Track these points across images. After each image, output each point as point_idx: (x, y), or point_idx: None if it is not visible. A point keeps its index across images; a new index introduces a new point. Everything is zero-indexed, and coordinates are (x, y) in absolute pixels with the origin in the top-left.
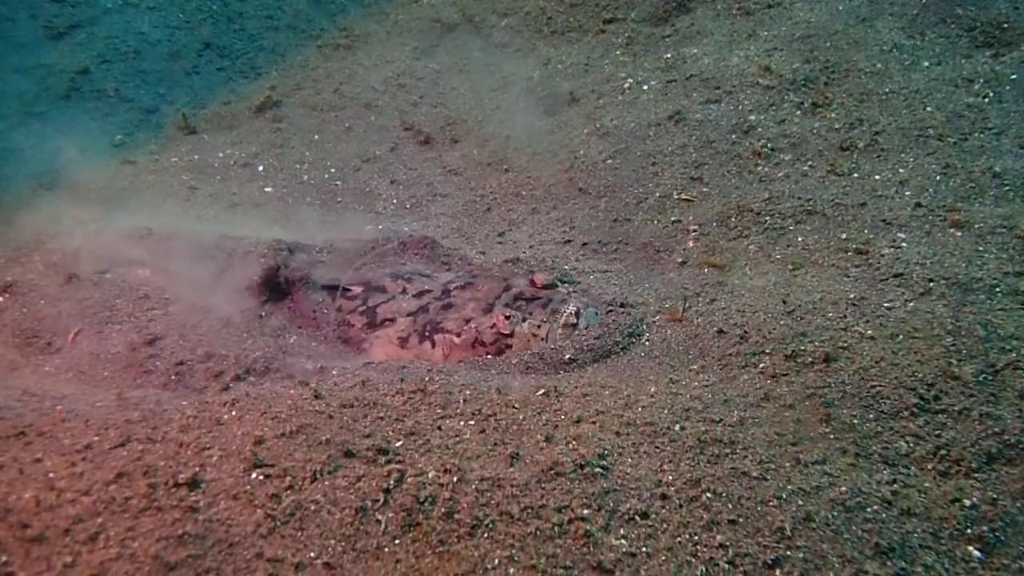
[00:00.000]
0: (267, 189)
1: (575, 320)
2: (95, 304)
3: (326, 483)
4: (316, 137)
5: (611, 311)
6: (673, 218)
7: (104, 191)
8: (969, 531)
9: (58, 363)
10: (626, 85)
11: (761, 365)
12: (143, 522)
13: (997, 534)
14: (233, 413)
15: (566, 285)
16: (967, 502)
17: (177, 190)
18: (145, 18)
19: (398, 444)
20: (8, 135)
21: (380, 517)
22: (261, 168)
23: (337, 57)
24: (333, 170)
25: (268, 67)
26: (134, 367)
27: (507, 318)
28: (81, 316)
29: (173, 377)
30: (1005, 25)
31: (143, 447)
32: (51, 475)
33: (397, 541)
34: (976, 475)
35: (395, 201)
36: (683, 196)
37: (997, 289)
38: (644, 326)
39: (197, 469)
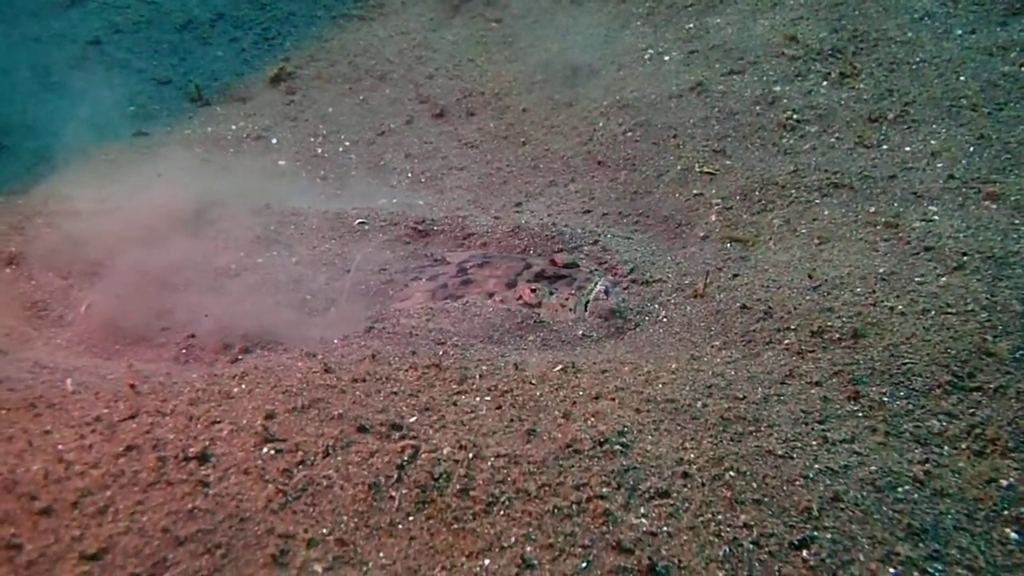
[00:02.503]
0: (280, 162)
1: (604, 297)
2: None
3: (339, 458)
4: (330, 110)
5: (630, 286)
6: (695, 191)
7: (116, 163)
8: (1006, 512)
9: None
10: (647, 56)
11: (786, 341)
12: (152, 496)
13: None
14: (243, 386)
15: (586, 253)
16: (1003, 482)
17: (190, 162)
18: None
19: (412, 420)
20: (21, 104)
21: (394, 493)
22: (275, 141)
23: (352, 28)
24: (347, 143)
25: (282, 38)
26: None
27: (533, 291)
28: None
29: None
30: None
31: (152, 420)
32: (60, 447)
33: (411, 518)
34: (1013, 455)
35: (410, 175)
36: (705, 169)
37: None
38: (663, 302)
39: (207, 443)
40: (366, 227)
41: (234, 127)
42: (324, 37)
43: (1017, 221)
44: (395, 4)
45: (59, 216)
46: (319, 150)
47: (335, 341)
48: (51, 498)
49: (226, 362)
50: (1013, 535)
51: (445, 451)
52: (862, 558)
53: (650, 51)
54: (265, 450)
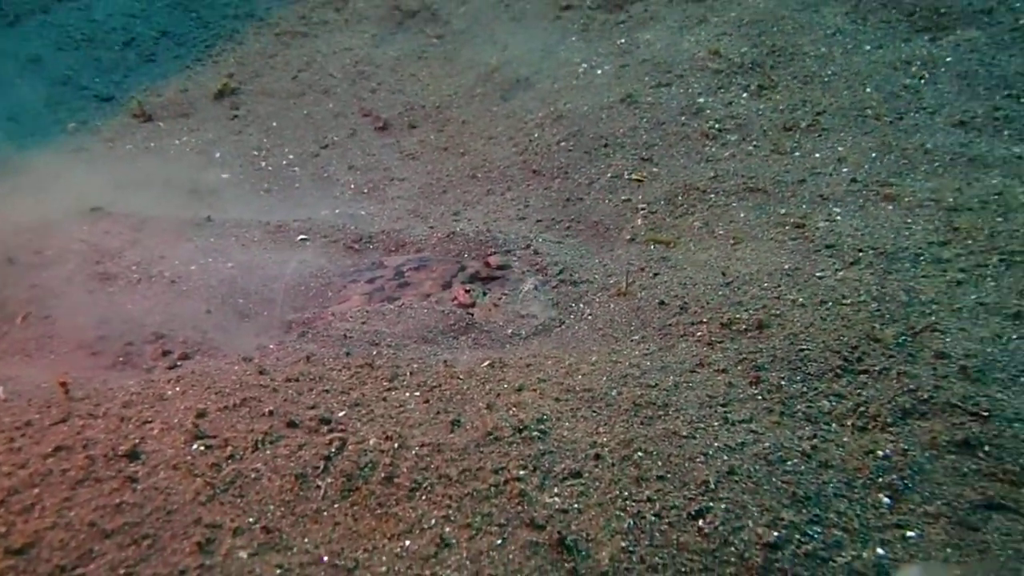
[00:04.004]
0: (224, 176)
1: (534, 295)
2: None
3: (267, 452)
4: (274, 124)
5: (559, 286)
6: (623, 197)
7: (55, 178)
8: (880, 480)
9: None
10: (580, 70)
11: (698, 333)
12: (80, 492)
13: (905, 482)
14: (177, 389)
15: (518, 256)
16: (880, 453)
17: (132, 177)
18: (100, 6)
19: (341, 414)
20: None
21: (320, 483)
22: (218, 155)
23: (296, 44)
24: (291, 156)
25: (226, 55)
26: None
27: (467, 291)
28: None
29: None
30: (943, 11)
31: (84, 422)
32: None
33: (336, 505)
34: (890, 429)
35: (353, 186)
36: (633, 176)
37: (921, 258)
38: (588, 301)
39: (137, 441)
40: (307, 241)
41: (177, 142)
42: (268, 53)
43: (909, 220)
44: (338, 21)
45: None
46: (263, 163)
47: (270, 346)
48: None
49: (164, 368)
50: (885, 499)
51: (372, 442)
52: (751, 524)
53: (584, 65)
54: (195, 446)
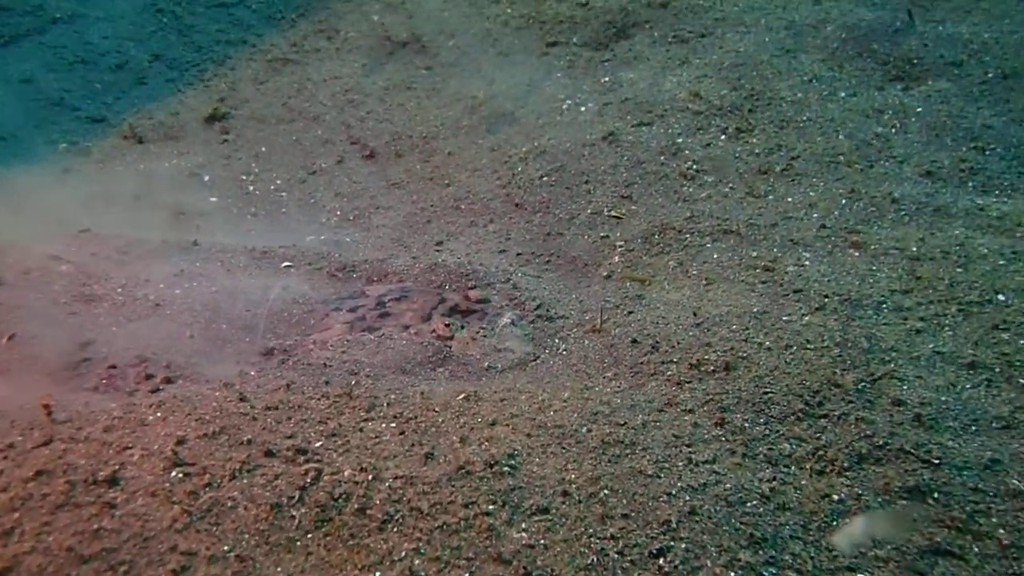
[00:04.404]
0: (212, 199)
1: (511, 330)
2: None
3: (244, 481)
4: (263, 149)
5: (536, 321)
6: (602, 234)
7: (45, 200)
8: (835, 523)
9: None
10: (564, 106)
11: (668, 373)
12: (60, 517)
13: None
14: (159, 414)
15: (498, 290)
16: (836, 497)
17: (121, 199)
18: (93, 29)
19: (318, 444)
20: None
21: (294, 513)
22: (207, 178)
23: (287, 72)
24: (279, 181)
25: (217, 80)
26: None
27: (447, 325)
28: None
29: None
30: (915, 61)
31: (65, 446)
32: None
33: (309, 535)
34: (847, 473)
35: (339, 213)
36: (613, 213)
37: (884, 305)
38: (564, 336)
39: (117, 467)
40: (291, 268)
41: (167, 164)
42: (259, 79)
43: (874, 267)
44: (329, 50)
45: None
46: (251, 188)
47: (251, 372)
48: None
49: (146, 391)
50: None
51: (346, 473)
52: (709, 564)
53: (568, 102)
54: (174, 473)
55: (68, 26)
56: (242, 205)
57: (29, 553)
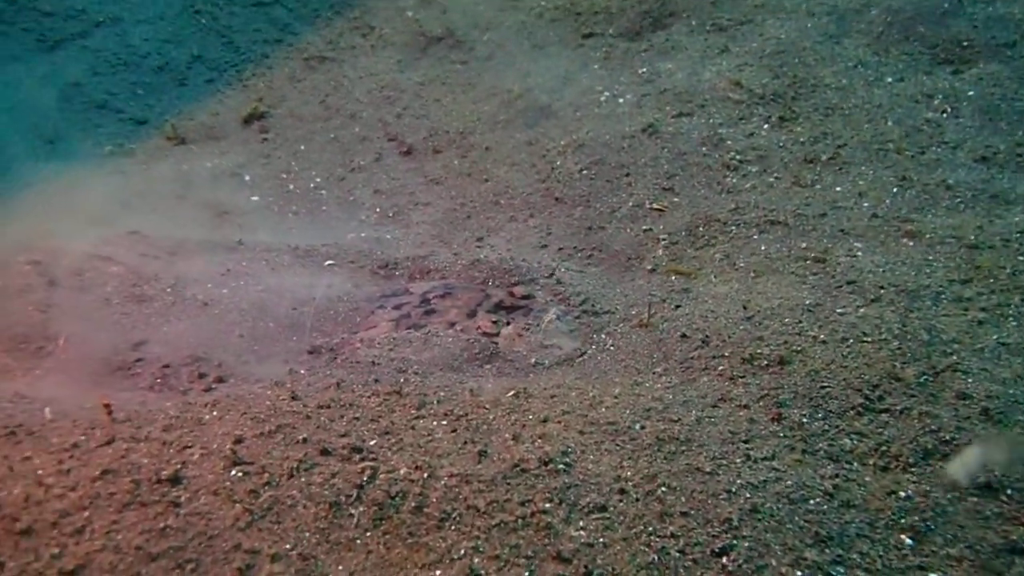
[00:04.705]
0: (253, 198)
1: (556, 325)
2: None
3: (302, 479)
4: (302, 147)
5: (581, 316)
6: (645, 227)
7: (93, 201)
8: (903, 521)
9: None
10: (602, 98)
11: (720, 368)
12: (127, 516)
13: (928, 523)
14: (214, 413)
15: (541, 285)
16: (902, 494)
17: (165, 199)
18: (135, 31)
19: (372, 443)
20: (1, 145)
21: (353, 511)
22: (248, 178)
23: (323, 69)
24: (318, 179)
25: (256, 79)
26: None
27: (493, 321)
28: None
29: None
30: (965, 43)
31: (127, 446)
32: (39, 472)
33: (369, 533)
34: (912, 469)
35: (378, 210)
36: (655, 206)
37: (942, 296)
38: (610, 332)
39: (179, 466)
40: (334, 266)
41: (208, 164)
42: (297, 77)
43: (930, 257)
44: (365, 47)
45: (38, 253)
46: (291, 186)
47: (301, 371)
48: (31, 519)
49: (199, 391)
50: (908, 541)
51: (402, 471)
52: (774, 563)
53: (606, 94)
54: (233, 472)
55: (110, 29)
56: (283, 203)
57: (100, 551)
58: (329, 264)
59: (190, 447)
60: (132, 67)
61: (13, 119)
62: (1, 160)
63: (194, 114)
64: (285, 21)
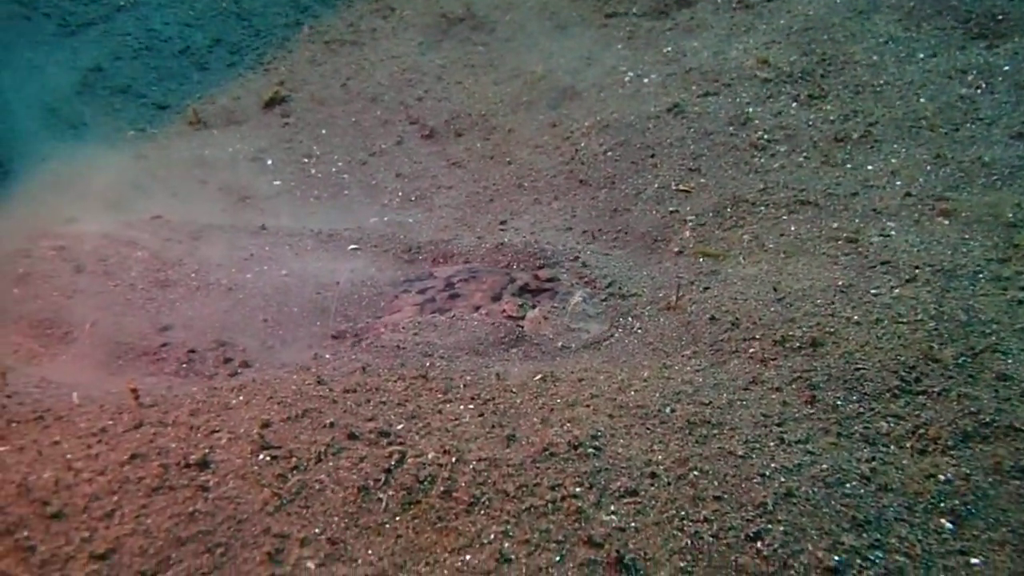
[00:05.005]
0: (276, 183)
1: (583, 308)
2: None
3: (330, 464)
4: (323, 131)
5: (608, 299)
6: (671, 208)
7: (116, 186)
8: (942, 504)
9: None
10: (626, 78)
11: (751, 350)
12: (156, 500)
13: (968, 507)
14: (241, 398)
15: (567, 268)
16: (941, 477)
17: (188, 184)
18: (156, 15)
19: (399, 427)
20: (25, 130)
21: (381, 495)
22: (270, 162)
23: (344, 53)
24: (340, 164)
25: (277, 63)
26: None
27: (519, 305)
28: None
29: None
30: (1000, 17)
31: (155, 430)
32: (68, 456)
33: (398, 518)
34: (952, 452)
35: (400, 194)
36: (681, 187)
37: (980, 275)
38: (637, 314)
39: (207, 451)
40: (358, 251)
41: (231, 149)
42: (317, 61)
43: (966, 236)
44: (386, 29)
45: (63, 238)
46: (313, 171)
47: (326, 355)
48: (62, 503)
49: (225, 375)
50: (948, 525)
51: (430, 456)
52: (810, 548)
53: (630, 74)
54: (261, 456)
55: (131, 14)
56: (305, 188)
57: (130, 535)
58: (352, 249)
59: (217, 431)
60: (154, 51)
61: (35, 104)
62: (23, 146)
63: (215, 98)
64: (305, 4)
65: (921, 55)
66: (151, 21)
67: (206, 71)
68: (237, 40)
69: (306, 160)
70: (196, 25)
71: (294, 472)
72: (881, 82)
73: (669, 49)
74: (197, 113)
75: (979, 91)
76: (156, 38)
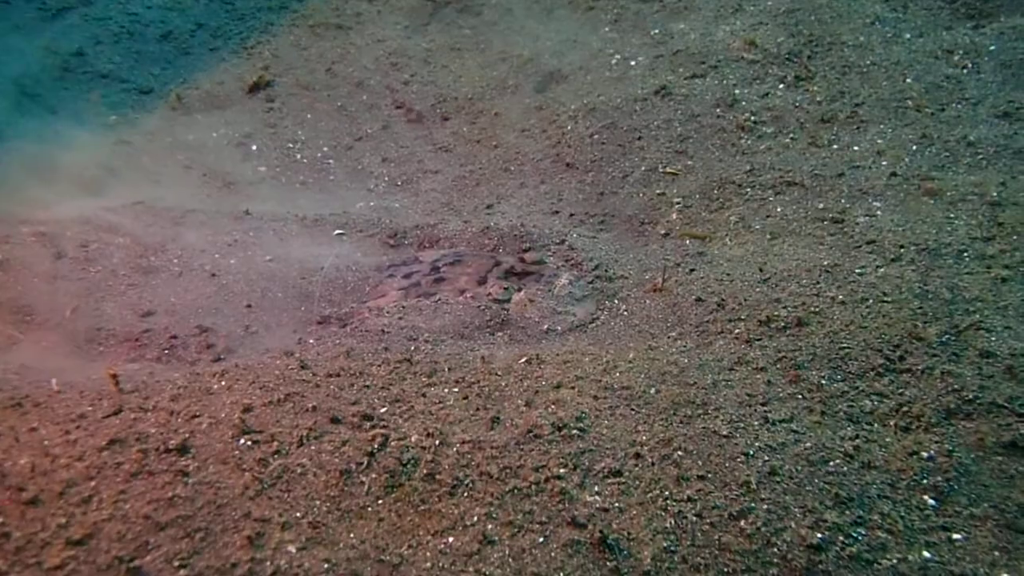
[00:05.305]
0: (260, 168)
1: (568, 290)
2: None
3: (312, 447)
4: (308, 116)
5: (594, 282)
6: (658, 191)
7: (98, 172)
8: (925, 481)
9: None
10: (613, 61)
11: (736, 331)
12: (135, 485)
13: (951, 483)
14: (223, 383)
15: (553, 251)
16: (924, 455)
17: (171, 169)
18: (138, 0)
19: (383, 410)
20: (4, 116)
21: (364, 479)
22: (255, 147)
23: (329, 37)
24: (325, 149)
25: (261, 47)
26: None
27: (504, 288)
28: None
29: None
30: None
31: (135, 416)
32: (46, 443)
33: (380, 501)
34: (935, 429)
35: (387, 178)
36: (668, 170)
37: (965, 254)
38: (624, 297)
39: (187, 436)
40: (343, 236)
41: (214, 134)
42: (302, 45)
43: (951, 215)
44: (371, 13)
45: (44, 224)
46: (298, 156)
47: (310, 340)
48: (38, 489)
49: (208, 361)
50: (931, 501)
51: (413, 439)
52: (793, 525)
53: (617, 56)
54: (242, 441)
55: None
56: (290, 173)
57: (108, 520)
58: (338, 233)
59: (198, 416)
60: (135, 36)
61: (15, 89)
62: (2, 131)
63: (199, 83)
64: None
65: (908, 35)
66: (132, 5)
67: (189, 56)
68: (220, 24)
69: (291, 145)
70: (178, 9)
71: (275, 456)
72: (868, 63)
73: (656, 31)
74: (180, 98)
75: (965, 71)
76: (137, 22)
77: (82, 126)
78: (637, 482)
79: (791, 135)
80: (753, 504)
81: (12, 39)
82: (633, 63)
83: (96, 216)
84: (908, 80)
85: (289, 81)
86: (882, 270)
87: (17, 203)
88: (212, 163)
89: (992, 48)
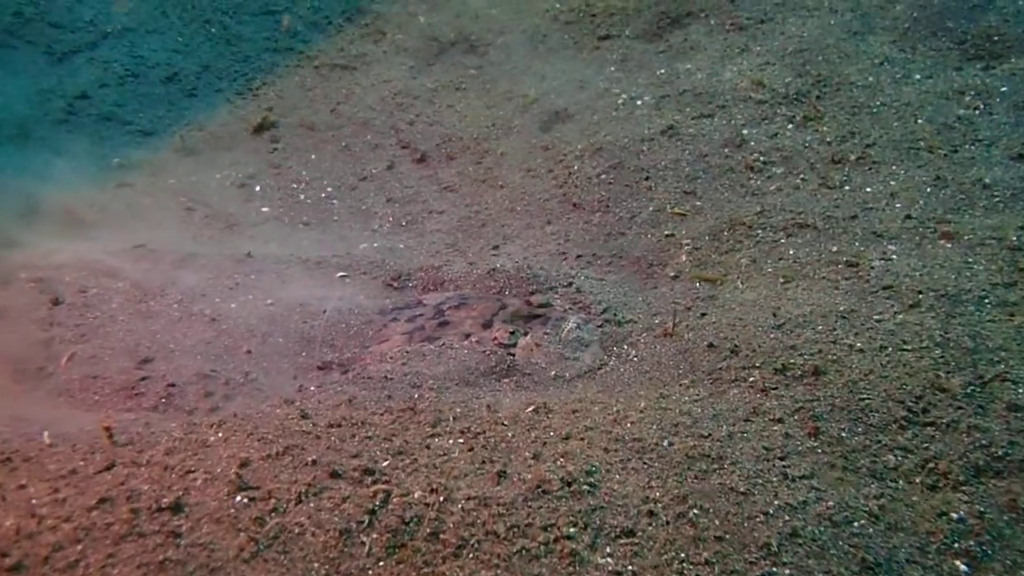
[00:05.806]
0: (264, 209)
1: (576, 335)
2: None
3: (311, 505)
4: (313, 157)
5: (603, 326)
6: (666, 232)
7: (99, 216)
8: (956, 545)
9: None
10: (620, 101)
11: (751, 379)
12: (124, 548)
13: (984, 548)
14: (220, 435)
15: (560, 294)
16: (954, 515)
17: (174, 212)
18: (144, 42)
19: (385, 464)
20: (6, 158)
21: (365, 539)
22: (258, 188)
23: (334, 77)
24: (330, 189)
25: (266, 88)
26: None
27: (510, 332)
28: None
29: None
30: (996, 38)
31: (128, 471)
32: (34, 502)
33: (381, 563)
34: (963, 488)
35: (391, 219)
36: (676, 210)
37: (986, 300)
38: (633, 342)
39: (181, 493)
40: (346, 279)
41: (218, 175)
42: (307, 86)
43: (970, 259)
44: (377, 53)
45: (42, 270)
46: (302, 196)
47: (311, 387)
48: (22, 554)
49: (206, 410)
50: (963, 567)
51: (416, 495)
52: None
53: (623, 96)
54: (238, 498)
55: (119, 40)
56: (294, 214)
57: None
58: (341, 276)
59: (193, 472)
60: (140, 78)
61: (19, 132)
62: (6, 173)
63: (203, 124)
64: (295, 28)
65: (917, 76)
66: (139, 48)
67: (194, 97)
68: (225, 66)
69: (295, 186)
70: (184, 51)
71: (272, 515)
72: (878, 103)
73: (662, 71)
74: (184, 140)
75: (977, 112)
76: (143, 64)
77: (85, 169)
78: (651, 543)
79: (801, 176)
80: (775, 569)
81: (17, 81)
82: (639, 103)
83: (96, 260)
84: (919, 121)
85: (294, 121)
86: (900, 316)
87: (16, 248)
88: (215, 204)
89: (1004, 89)
